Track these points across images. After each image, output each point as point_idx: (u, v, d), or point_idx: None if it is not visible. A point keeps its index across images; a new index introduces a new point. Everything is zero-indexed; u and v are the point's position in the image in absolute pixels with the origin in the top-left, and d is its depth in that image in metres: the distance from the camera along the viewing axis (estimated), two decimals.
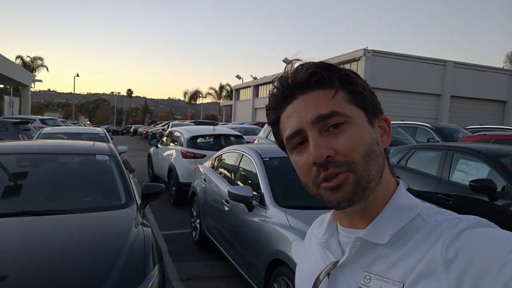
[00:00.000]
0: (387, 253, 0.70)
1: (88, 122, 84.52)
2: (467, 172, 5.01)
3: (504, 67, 42.80)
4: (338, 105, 0.71)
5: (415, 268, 0.64)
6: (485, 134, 9.24)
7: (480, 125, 16.74)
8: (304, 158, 0.72)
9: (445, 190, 5.07)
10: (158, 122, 45.56)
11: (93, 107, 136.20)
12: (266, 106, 0.82)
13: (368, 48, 27.37)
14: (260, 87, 47.08)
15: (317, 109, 0.71)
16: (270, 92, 0.79)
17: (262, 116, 42.35)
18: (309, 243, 0.93)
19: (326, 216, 0.88)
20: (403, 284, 0.65)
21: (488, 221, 0.67)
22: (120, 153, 4.81)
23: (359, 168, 0.69)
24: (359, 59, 27.77)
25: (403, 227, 0.70)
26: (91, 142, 5.16)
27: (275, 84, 0.78)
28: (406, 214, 0.72)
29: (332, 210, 0.83)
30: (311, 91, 0.73)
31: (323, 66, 0.73)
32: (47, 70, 52.21)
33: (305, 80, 0.72)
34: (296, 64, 0.75)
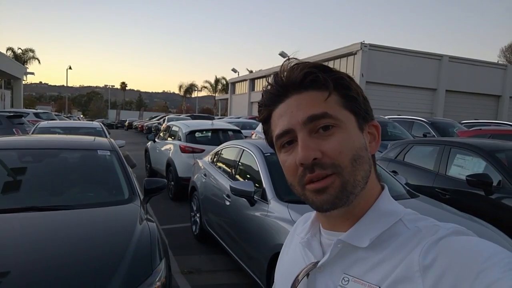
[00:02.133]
0: (367, 256, 0.71)
1: (82, 116, 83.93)
2: (463, 166, 5.09)
3: (499, 62, 42.95)
4: (330, 107, 0.71)
5: (392, 273, 0.65)
6: (480, 129, 9.31)
7: (475, 119, 16.86)
8: (291, 158, 0.73)
9: (442, 184, 5.15)
10: (153, 116, 45.37)
11: (86, 100, 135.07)
12: (258, 103, 0.82)
13: (365, 42, 27.36)
14: (256, 80, 46.93)
15: (309, 110, 0.71)
16: (264, 89, 0.79)
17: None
18: (291, 240, 0.95)
19: (310, 214, 0.89)
20: (380, 287, 0.66)
21: (467, 230, 0.68)
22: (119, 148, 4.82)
23: (345, 172, 0.70)
24: (355, 53, 27.77)
25: (384, 232, 0.71)
26: (92, 137, 5.17)
27: (269, 81, 0.78)
28: (388, 219, 0.73)
29: (316, 212, 0.84)
30: (304, 91, 0.73)
31: (319, 67, 0.73)
32: (39, 62, 51.70)
33: (300, 79, 0.72)
34: (293, 63, 0.75)
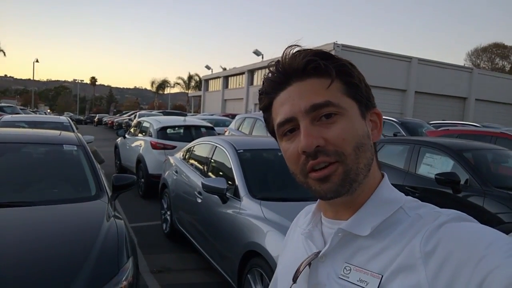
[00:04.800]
0: (368, 245, 0.70)
1: (49, 110, 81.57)
2: (432, 165, 5.20)
3: (465, 65, 44.45)
4: (332, 95, 0.71)
5: (395, 261, 0.65)
6: (448, 129, 9.58)
7: (442, 120, 17.35)
8: (293, 146, 0.72)
9: (412, 182, 5.25)
10: (124, 112, 44.53)
11: (54, 94, 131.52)
12: (259, 91, 0.80)
13: (338, 43, 27.72)
14: (229, 78, 46.83)
15: (311, 98, 0.70)
16: (265, 77, 0.78)
17: (231, 108, 42.25)
18: (293, 233, 0.94)
19: (312, 207, 0.88)
20: (382, 276, 0.65)
21: (468, 216, 0.68)
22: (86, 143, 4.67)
23: (348, 160, 0.69)
24: None
25: (385, 220, 0.71)
26: (58, 132, 4.99)
27: (271, 68, 0.76)
28: (388, 207, 0.72)
29: (317, 201, 0.84)
30: (306, 78, 0.72)
31: (321, 55, 0.72)
32: (4, 54, 49.73)
33: (302, 67, 0.71)
34: (295, 50, 0.74)
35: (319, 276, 0.75)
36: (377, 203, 0.74)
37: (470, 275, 0.56)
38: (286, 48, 0.74)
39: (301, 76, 0.72)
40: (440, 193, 4.80)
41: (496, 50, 58.07)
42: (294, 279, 0.78)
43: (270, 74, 0.76)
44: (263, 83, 0.78)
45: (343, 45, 28.01)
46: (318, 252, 0.76)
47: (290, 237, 0.95)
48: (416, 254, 0.63)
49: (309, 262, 0.76)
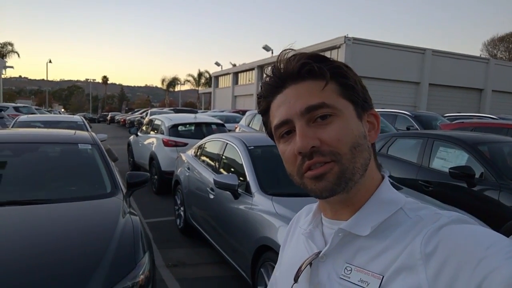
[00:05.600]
0: (369, 245, 0.71)
1: (63, 110, 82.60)
2: (446, 159, 5.15)
3: (481, 56, 43.65)
4: (327, 97, 0.72)
5: (395, 261, 0.66)
6: (463, 122, 9.44)
7: (457, 113, 17.12)
8: (290, 148, 0.73)
9: (425, 177, 5.20)
10: (135, 110, 44.87)
11: (67, 94, 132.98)
12: (257, 94, 0.82)
13: (349, 36, 27.48)
14: (239, 74, 46.79)
15: (306, 100, 0.71)
16: (262, 81, 0.80)
17: (241, 104, 42.23)
18: (293, 232, 0.95)
19: (312, 206, 0.90)
20: (383, 277, 0.66)
21: (469, 218, 0.69)
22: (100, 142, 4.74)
23: (344, 159, 0.70)
24: (339, 47, 27.90)
25: (385, 221, 0.72)
26: (73, 131, 5.07)
27: (267, 72, 0.78)
28: (388, 208, 0.73)
29: (318, 201, 0.85)
30: (302, 81, 0.73)
31: (315, 58, 0.73)
32: (18, 56, 50.39)
33: (297, 70, 0.73)
34: (290, 54, 0.75)
35: (320, 276, 0.76)
36: (377, 204, 0.74)
37: (470, 276, 0.56)
38: (281, 52, 0.76)
39: (296, 79, 0.73)
40: (454, 187, 4.76)
41: None
42: (296, 279, 0.79)
43: (267, 78, 0.78)
44: (261, 87, 0.80)
45: (354, 39, 27.76)
46: (319, 252, 0.77)
47: (290, 236, 0.96)
48: (417, 255, 0.63)
49: (310, 262, 0.77)
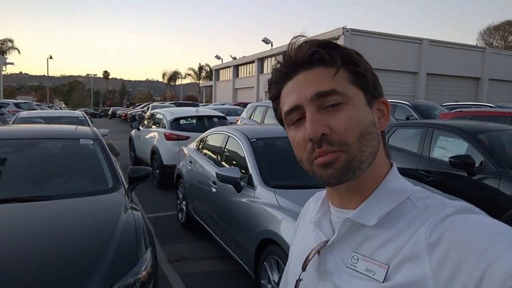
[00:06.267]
0: (375, 234, 0.71)
1: (64, 105, 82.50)
2: (446, 148, 5.16)
3: (478, 44, 43.47)
4: (338, 84, 0.72)
5: (401, 251, 0.66)
6: (461, 111, 9.42)
7: (456, 102, 17.08)
8: (300, 134, 0.74)
9: (426, 166, 5.21)
10: (137, 104, 44.81)
11: (68, 89, 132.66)
12: (268, 81, 0.82)
13: (347, 27, 27.34)
14: (240, 67, 46.66)
15: (317, 86, 0.71)
16: (273, 67, 0.80)
17: (242, 97, 42.13)
18: (303, 220, 0.96)
19: (321, 194, 0.90)
20: (389, 266, 0.67)
21: (475, 208, 0.69)
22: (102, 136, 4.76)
23: (352, 149, 0.70)
24: (338, 38, 27.72)
25: (392, 210, 0.72)
26: (74, 126, 5.08)
27: (279, 59, 0.79)
28: (396, 197, 0.73)
29: (326, 189, 0.85)
30: (312, 68, 0.73)
31: (326, 45, 0.73)
32: (19, 52, 50.35)
33: (308, 57, 0.73)
34: (301, 41, 0.75)
35: (328, 265, 0.77)
36: (385, 193, 0.74)
37: (473, 266, 0.56)
38: (292, 39, 0.76)
39: (307, 66, 0.73)
40: (454, 176, 4.76)
41: (509, 28, 56.40)
42: (304, 267, 0.80)
43: (278, 65, 0.78)
44: (272, 74, 0.81)
45: (352, 30, 27.64)
46: (327, 241, 0.77)
47: (300, 225, 0.97)
48: (421, 244, 0.64)
49: (318, 251, 0.78)
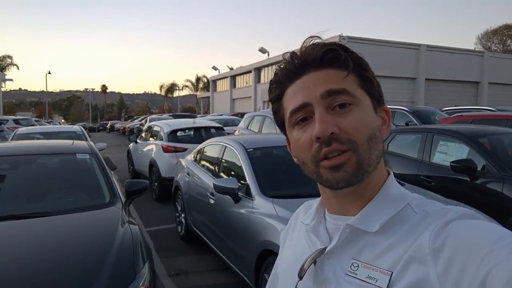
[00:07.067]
0: (376, 241, 0.70)
1: (63, 120, 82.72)
2: (447, 153, 5.11)
3: (476, 49, 43.73)
4: (348, 85, 0.71)
5: (404, 257, 0.65)
6: (461, 115, 9.41)
7: (455, 106, 17.08)
8: (306, 134, 0.72)
9: (427, 172, 5.16)
10: (135, 117, 44.90)
11: (67, 104, 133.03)
12: (270, 81, 0.80)
13: (343, 35, 27.49)
14: (237, 77, 46.92)
15: (327, 85, 0.71)
16: (278, 67, 0.78)
17: (240, 107, 42.27)
18: (293, 229, 0.93)
19: (313, 203, 0.88)
20: (392, 273, 0.65)
21: (476, 213, 0.68)
22: (99, 151, 4.72)
23: (361, 150, 0.69)
24: None
25: (393, 217, 0.71)
26: (70, 141, 5.04)
27: (286, 58, 0.77)
28: (396, 203, 0.72)
29: (320, 197, 0.84)
30: (322, 69, 0.72)
31: (340, 46, 0.73)
32: (18, 68, 50.49)
33: (320, 57, 0.72)
34: (314, 41, 0.75)
35: (326, 273, 0.74)
36: (385, 199, 0.73)
37: (476, 270, 0.56)
38: (307, 38, 0.75)
39: (317, 66, 0.72)
40: (456, 180, 4.72)
41: (507, 32, 56.91)
42: (300, 276, 0.77)
43: (285, 64, 0.76)
44: (276, 73, 0.78)
45: (349, 37, 27.78)
46: (324, 249, 0.75)
47: (290, 232, 0.94)
48: (425, 250, 0.63)
49: (314, 259, 0.75)
